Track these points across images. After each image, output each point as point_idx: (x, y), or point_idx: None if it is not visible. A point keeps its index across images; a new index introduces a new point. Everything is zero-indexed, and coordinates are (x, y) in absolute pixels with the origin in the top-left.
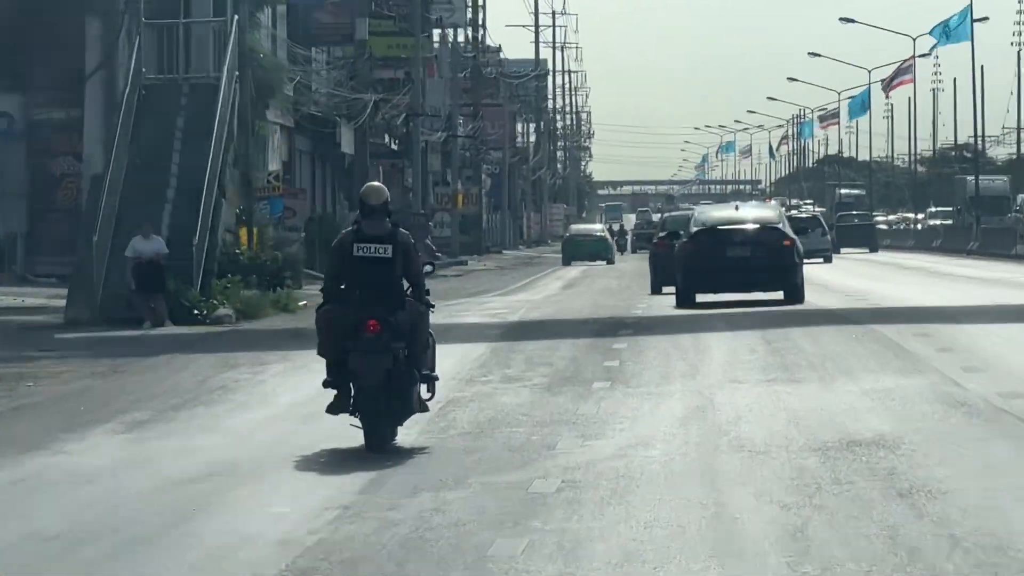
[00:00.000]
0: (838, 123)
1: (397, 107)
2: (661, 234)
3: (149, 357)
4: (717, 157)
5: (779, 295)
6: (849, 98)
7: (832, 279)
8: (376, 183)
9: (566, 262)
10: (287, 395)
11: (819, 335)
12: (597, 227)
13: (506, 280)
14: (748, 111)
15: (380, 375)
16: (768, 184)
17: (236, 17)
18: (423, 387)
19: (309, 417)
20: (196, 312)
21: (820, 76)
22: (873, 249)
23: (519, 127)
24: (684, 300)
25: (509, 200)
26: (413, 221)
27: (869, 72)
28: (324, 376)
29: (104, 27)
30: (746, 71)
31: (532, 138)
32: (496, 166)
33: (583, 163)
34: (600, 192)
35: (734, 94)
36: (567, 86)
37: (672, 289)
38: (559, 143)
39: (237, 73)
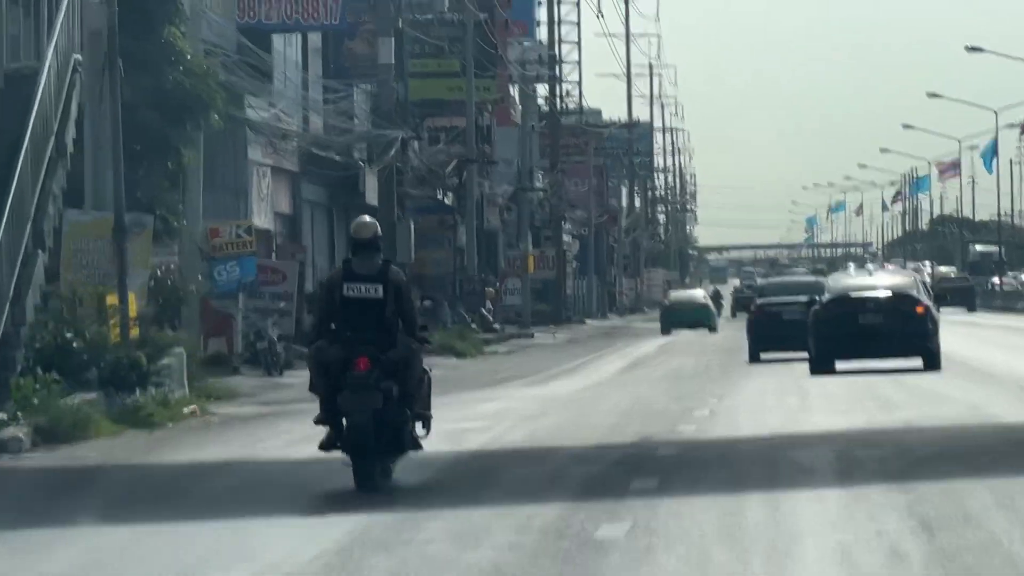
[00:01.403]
0: (958, 174)
1: (446, 152)
2: (759, 300)
3: None
4: (827, 218)
5: (914, 362)
6: (970, 147)
7: (993, 358)
8: (366, 217)
9: (665, 331)
10: None
11: None
12: (699, 293)
13: (560, 358)
14: (859, 165)
15: (369, 414)
16: (880, 246)
17: None
18: (418, 424)
19: None
20: None
21: (939, 120)
22: (971, 309)
23: (610, 184)
24: (819, 367)
25: (596, 264)
26: (467, 287)
27: (996, 113)
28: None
29: None
30: (857, 120)
31: (624, 197)
32: (584, 227)
33: (688, 227)
34: (707, 257)
35: (844, 147)
36: (669, 144)
37: (772, 356)
38: (659, 206)
39: (78, 57)
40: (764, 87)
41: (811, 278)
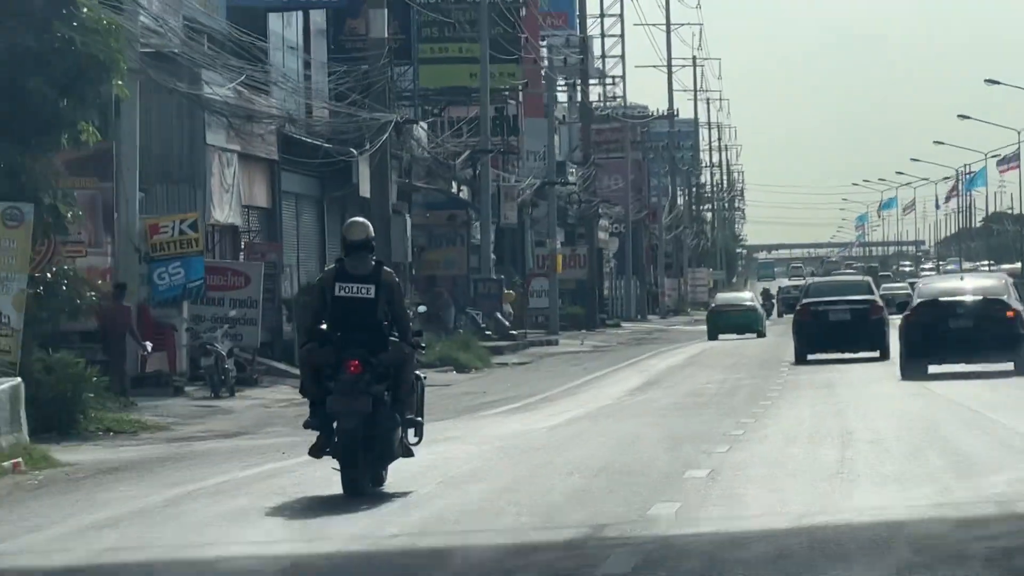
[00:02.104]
0: (1017, 166)
1: (463, 142)
2: (805, 301)
3: None
4: (878, 215)
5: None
6: None
7: None
8: (360, 218)
9: (712, 336)
10: None
11: None
12: (746, 295)
13: (571, 373)
14: (912, 159)
15: (359, 418)
16: (931, 244)
17: None
18: (411, 431)
19: None
20: None
21: (997, 109)
22: None
23: (653, 183)
24: (910, 371)
25: (635, 263)
26: (481, 289)
27: None
28: None
29: None
30: (910, 112)
31: (669, 193)
32: (621, 224)
33: (737, 225)
34: (755, 255)
35: (896, 141)
36: (715, 140)
37: (821, 356)
38: (707, 205)
39: None
40: (812, 80)
41: (858, 277)
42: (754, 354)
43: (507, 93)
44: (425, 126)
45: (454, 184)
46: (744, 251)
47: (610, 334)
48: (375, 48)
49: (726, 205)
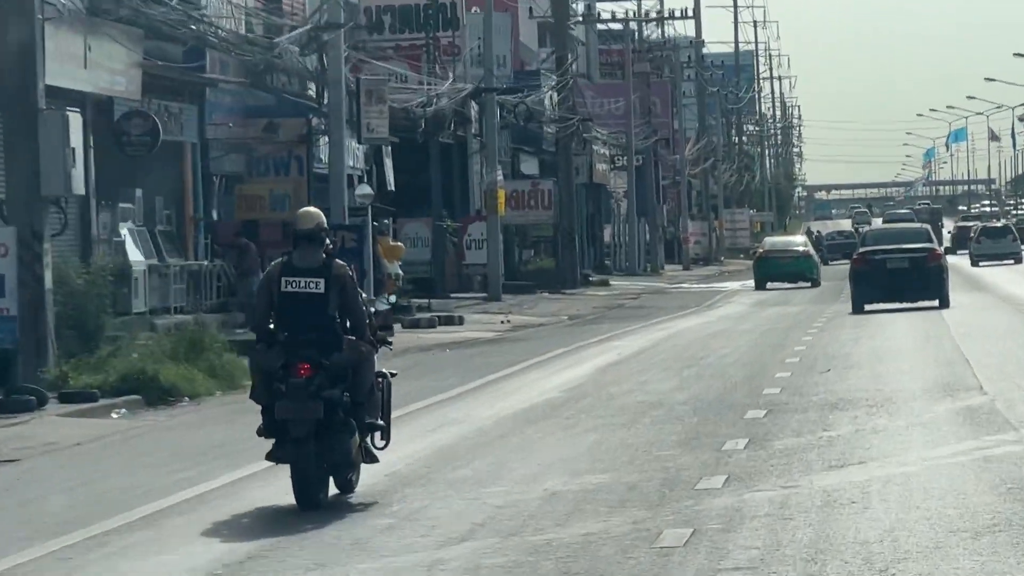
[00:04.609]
0: None
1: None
2: (862, 249)
3: None
4: (946, 149)
5: None
6: None
7: None
8: (311, 208)
9: (759, 285)
10: None
11: None
12: (798, 240)
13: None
14: (986, 79)
15: (310, 424)
16: (1003, 182)
17: None
18: (377, 435)
19: None
20: None
21: None
22: None
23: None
24: None
25: (640, 202)
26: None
27: None
28: None
29: None
30: (984, 21)
31: (697, 120)
32: (638, 156)
33: (797, 165)
34: (815, 195)
35: (968, 58)
36: (763, 67)
37: (879, 306)
38: (754, 140)
39: None
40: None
41: (916, 225)
42: (744, 346)
43: None
44: None
45: (302, 84)
46: (803, 191)
47: (578, 298)
48: None
49: (778, 139)
